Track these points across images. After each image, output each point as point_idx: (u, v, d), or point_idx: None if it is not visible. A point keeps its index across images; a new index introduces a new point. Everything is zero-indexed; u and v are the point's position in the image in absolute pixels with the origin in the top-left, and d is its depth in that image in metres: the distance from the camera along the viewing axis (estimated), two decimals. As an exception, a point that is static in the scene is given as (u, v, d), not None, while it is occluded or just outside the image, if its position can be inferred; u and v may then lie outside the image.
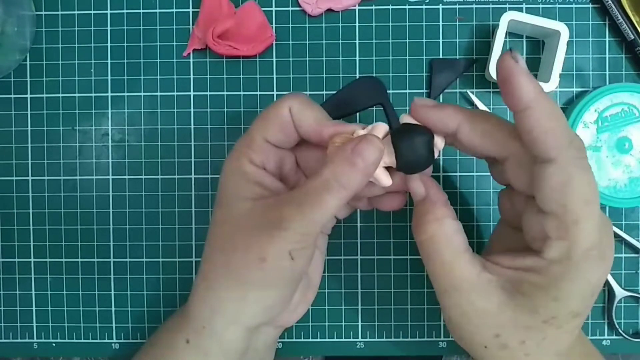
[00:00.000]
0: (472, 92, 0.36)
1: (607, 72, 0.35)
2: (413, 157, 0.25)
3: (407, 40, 0.36)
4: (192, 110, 0.36)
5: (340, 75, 0.36)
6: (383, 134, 0.26)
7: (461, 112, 0.26)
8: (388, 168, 0.27)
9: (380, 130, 0.26)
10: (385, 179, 0.27)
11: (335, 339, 0.36)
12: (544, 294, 0.24)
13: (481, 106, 0.35)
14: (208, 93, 0.36)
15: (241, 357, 0.29)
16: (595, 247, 0.23)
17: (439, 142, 0.27)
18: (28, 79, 0.36)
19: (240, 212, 0.27)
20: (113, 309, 0.37)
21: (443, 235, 0.26)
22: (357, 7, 0.36)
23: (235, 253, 0.26)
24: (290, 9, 0.36)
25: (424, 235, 0.26)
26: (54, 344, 0.37)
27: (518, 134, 0.24)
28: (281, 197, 0.27)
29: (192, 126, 0.36)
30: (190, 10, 0.36)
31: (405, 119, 0.27)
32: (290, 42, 0.36)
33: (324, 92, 0.36)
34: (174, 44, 0.36)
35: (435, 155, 0.26)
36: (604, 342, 0.36)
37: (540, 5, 0.36)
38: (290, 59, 0.36)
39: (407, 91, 0.36)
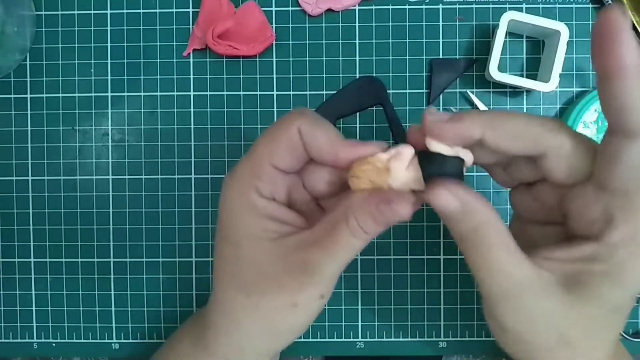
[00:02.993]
0: (472, 92, 0.36)
1: (607, 72, 0.35)
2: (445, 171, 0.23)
3: (407, 40, 0.36)
4: (192, 110, 0.36)
5: (340, 75, 0.36)
6: (409, 159, 0.24)
7: (481, 119, 0.23)
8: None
9: (405, 156, 0.23)
10: (409, 201, 0.24)
11: (335, 339, 0.36)
12: (609, 281, 0.22)
13: (481, 106, 0.35)
14: (208, 93, 0.36)
15: None
16: None
17: (468, 160, 0.24)
18: (28, 79, 0.36)
19: (258, 253, 0.25)
20: (113, 309, 0.37)
21: (493, 236, 0.23)
22: (357, 7, 0.36)
23: (263, 298, 0.25)
24: (290, 9, 0.36)
25: (470, 241, 0.23)
26: (53, 344, 0.37)
27: (603, 105, 0.21)
28: (303, 238, 0.24)
29: (192, 126, 0.36)
30: (190, 10, 0.36)
31: (439, 147, 0.24)
32: (290, 42, 0.36)
33: (324, 92, 0.36)
34: (174, 43, 0.36)
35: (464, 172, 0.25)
36: (604, 342, 0.36)
37: (540, 5, 0.36)
38: (290, 58, 0.36)
39: (407, 91, 0.36)
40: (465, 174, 0.24)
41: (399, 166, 0.23)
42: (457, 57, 0.36)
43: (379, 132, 0.36)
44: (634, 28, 0.34)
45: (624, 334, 0.35)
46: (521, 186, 0.26)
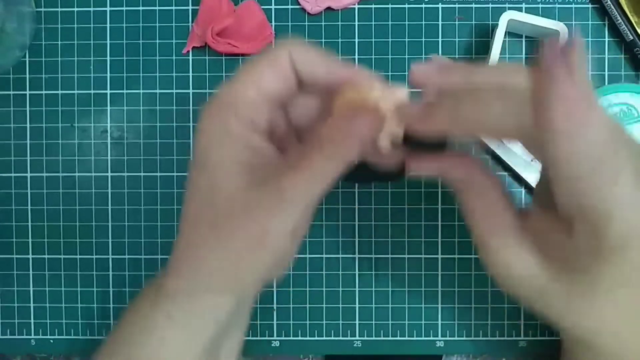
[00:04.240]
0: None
1: (606, 73, 0.35)
2: (425, 144, 0.24)
3: (407, 39, 0.36)
4: (191, 107, 0.36)
5: (340, 74, 0.36)
6: (400, 101, 0.24)
7: (466, 69, 0.23)
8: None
9: (398, 96, 0.24)
10: (384, 145, 0.24)
11: (333, 338, 0.36)
12: (579, 264, 0.23)
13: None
14: (207, 91, 0.36)
15: (229, 323, 0.27)
16: None
17: None
18: (27, 76, 0.36)
19: (230, 181, 0.23)
20: (111, 305, 0.37)
21: (474, 191, 0.25)
22: (356, 6, 0.36)
23: (230, 229, 0.23)
24: (289, 7, 0.36)
25: (459, 193, 0.25)
26: (51, 341, 0.37)
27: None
28: (277, 165, 0.24)
29: (191, 124, 0.36)
30: (190, 7, 0.36)
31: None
32: (290, 40, 0.36)
33: (323, 91, 0.36)
34: (173, 41, 0.36)
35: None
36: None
37: (540, 5, 0.36)
38: (290, 57, 0.36)
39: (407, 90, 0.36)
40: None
41: (389, 97, 0.23)
42: (456, 56, 0.36)
43: (377, 131, 0.36)
44: (633, 28, 0.34)
45: None
46: None
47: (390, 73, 0.36)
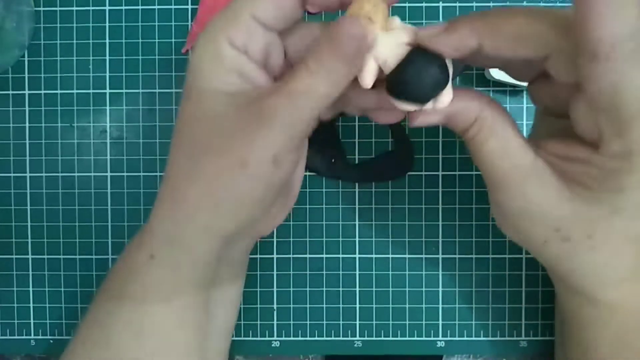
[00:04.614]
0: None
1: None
2: (408, 87, 0.22)
3: (407, 38, 0.36)
4: (190, 107, 0.36)
5: (340, 73, 0.36)
6: (408, 38, 0.22)
7: (477, 25, 0.21)
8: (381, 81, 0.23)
9: (408, 33, 0.22)
10: (368, 80, 0.22)
11: (333, 338, 0.36)
12: (606, 187, 0.22)
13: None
14: (207, 90, 0.36)
15: (214, 270, 0.26)
16: None
17: (446, 98, 0.23)
18: (26, 75, 0.36)
19: (214, 107, 0.22)
20: (111, 306, 0.37)
21: (486, 127, 0.23)
22: (356, 5, 0.36)
23: (210, 158, 0.22)
24: (289, 6, 0.36)
25: (468, 135, 0.23)
26: (51, 341, 0.37)
27: (566, 23, 0.20)
28: (263, 89, 0.22)
29: (191, 123, 0.36)
30: (189, 7, 0.36)
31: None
32: (290, 39, 0.36)
33: (323, 90, 0.36)
34: (173, 40, 0.36)
35: (427, 106, 0.23)
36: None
37: (541, 4, 0.35)
38: (290, 56, 0.36)
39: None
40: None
41: (396, 34, 0.22)
42: (457, 55, 0.35)
43: (378, 132, 0.36)
44: None
45: None
46: (538, 80, 0.25)
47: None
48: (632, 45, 0.18)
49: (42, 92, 0.36)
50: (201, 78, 0.23)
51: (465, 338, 0.36)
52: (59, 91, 0.36)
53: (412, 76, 0.22)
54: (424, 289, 0.36)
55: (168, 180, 0.24)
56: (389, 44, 0.22)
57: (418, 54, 0.22)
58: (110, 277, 0.28)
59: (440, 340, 0.36)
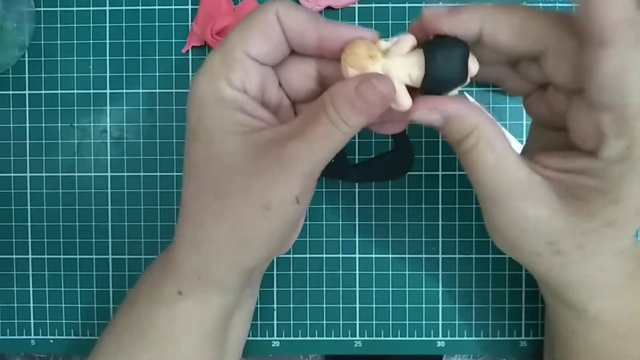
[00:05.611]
0: (472, 91, 0.35)
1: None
2: (447, 73, 0.22)
3: (407, 38, 0.36)
4: (190, 107, 0.36)
5: (340, 73, 0.36)
6: (409, 48, 0.23)
7: (480, 12, 0.22)
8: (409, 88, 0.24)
9: (405, 44, 0.23)
10: (406, 101, 0.23)
11: (333, 338, 0.36)
12: (602, 198, 0.22)
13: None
14: (207, 90, 0.36)
15: (239, 297, 0.27)
16: None
17: (473, 66, 0.23)
18: (26, 76, 0.36)
19: (230, 149, 0.23)
20: (111, 305, 0.37)
21: (484, 139, 0.22)
22: (356, 5, 0.36)
23: (233, 199, 0.23)
24: (289, 6, 0.36)
25: (464, 147, 0.23)
26: (51, 341, 0.37)
27: (566, 18, 0.21)
28: (279, 131, 0.23)
29: (191, 123, 0.36)
30: (190, 7, 0.36)
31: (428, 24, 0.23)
32: (290, 39, 0.36)
33: (323, 90, 0.36)
34: (173, 40, 0.36)
35: (467, 81, 0.23)
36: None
37: (540, 4, 0.35)
38: (290, 56, 0.36)
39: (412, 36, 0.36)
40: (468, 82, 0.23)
41: (398, 49, 0.23)
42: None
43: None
44: None
45: None
46: (534, 94, 0.25)
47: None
48: (635, 30, 0.19)
49: (43, 92, 0.36)
50: (208, 119, 0.23)
51: (465, 338, 0.36)
52: (59, 91, 0.36)
53: (445, 64, 0.22)
54: (423, 289, 0.36)
55: (190, 218, 0.25)
56: (399, 62, 0.23)
57: (433, 47, 0.22)
58: (133, 308, 0.28)
59: (440, 340, 0.36)
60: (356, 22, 0.36)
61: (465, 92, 0.35)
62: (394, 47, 0.23)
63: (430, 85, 0.23)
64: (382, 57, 0.22)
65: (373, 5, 0.36)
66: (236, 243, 0.24)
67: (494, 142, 0.23)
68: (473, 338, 0.36)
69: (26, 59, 0.36)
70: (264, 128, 0.23)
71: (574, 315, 0.26)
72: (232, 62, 0.23)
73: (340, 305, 0.36)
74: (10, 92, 0.36)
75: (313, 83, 0.25)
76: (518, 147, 0.34)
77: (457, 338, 0.36)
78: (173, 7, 0.36)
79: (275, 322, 0.36)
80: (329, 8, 0.35)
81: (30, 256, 0.37)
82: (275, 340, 0.36)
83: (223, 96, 0.23)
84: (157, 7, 0.36)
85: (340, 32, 0.23)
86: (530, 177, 0.23)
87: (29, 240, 0.37)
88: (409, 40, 0.23)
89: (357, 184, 0.36)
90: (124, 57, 0.36)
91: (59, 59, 0.36)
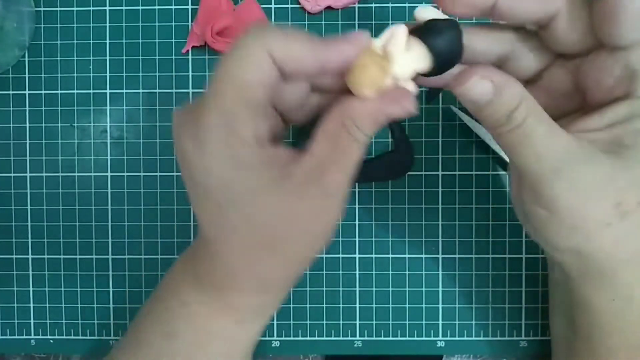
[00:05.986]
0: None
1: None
2: (451, 55, 0.22)
3: (407, 38, 0.36)
4: (190, 107, 0.36)
5: (340, 73, 0.36)
6: (404, 38, 0.22)
7: None
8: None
9: (400, 35, 0.22)
10: (413, 89, 0.23)
11: (333, 338, 0.36)
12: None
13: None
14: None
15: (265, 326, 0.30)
16: None
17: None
18: (26, 76, 0.36)
19: (268, 205, 0.22)
20: (111, 305, 0.37)
21: (534, 109, 0.22)
22: (356, 5, 0.36)
23: (284, 247, 0.24)
24: (289, 6, 0.36)
25: (516, 120, 0.22)
26: (51, 341, 0.37)
27: None
28: (306, 167, 0.22)
29: (191, 123, 0.36)
30: (190, 7, 0.36)
31: (428, 12, 0.23)
32: (290, 39, 0.36)
33: (323, 90, 0.36)
34: (173, 40, 0.36)
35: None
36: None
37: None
38: (290, 56, 0.36)
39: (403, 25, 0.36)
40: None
41: (398, 48, 0.22)
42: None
43: (378, 132, 0.35)
44: None
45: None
46: (554, 65, 0.25)
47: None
48: None
49: (43, 92, 0.36)
50: (238, 187, 0.22)
51: (465, 338, 0.36)
52: (59, 91, 0.36)
53: (448, 46, 0.22)
54: (424, 289, 0.36)
55: (246, 265, 0.24)
56: (405, 62, 0.22)
57: (432, 34, 0.22)
58: (168, 343, 0.28)
59: (440, 340, 0.36)
60: (356, 21, 0.36)
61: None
62: (392, 46, 0.22)
63: (438, 71, 0.23)
64: (389, 66, 0.22)
65: (373, 5, 0.36)
66: (285, 280, 0.26)
67: (541, 110, 0.22)
68: (473, 338, 0.36)
69: (26, 59, 0.36)
70: (285, 165, 0.23)
71: (627, 296, 0.25)
72: (238, 121, 0.21)
73: (340, 305, 0.36)
74: (10, 92, 0.36)
75: (308, 98, 0.25)
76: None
77: (457, 338, 0.36)
78: (173, 7, 0.36)
79: (275, 322, 0.36)
80: (328, 8, 0.35)
81: (30, 256, 0.37)
82: (275, 340, 0.36)
83: (243, 159, 0.22)
84: (157, 7, 0.36)
85: (340, 51, 0.22)
86: (580, 141, 0.22)
87: (29, 240, 0.37)
88: (402, 32, 0.22)
89: (357, 184, 0.36)
90: (124, 57, 0.36)
91: (59, 59, 0.36)
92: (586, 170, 0.22)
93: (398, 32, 0.22)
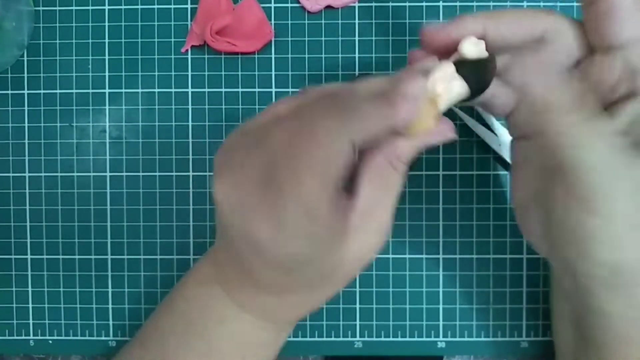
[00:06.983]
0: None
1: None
2: (484, 85, 0.25)
3: (407, 38, 0.36)
4: (190, 106, 0.36)
5: (340, 73, 0.36)
6: (453, 75, 0.24)
7: (480, 15, 0.24)
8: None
9: (448, 73, 0.24)
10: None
11: (333, 338, 0.36)
12: None
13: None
14: (206, 90, 0.36)
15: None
16: None
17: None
18: (25, 75, 0.36)
19: (323, 267, 0.25)
20: (110, 306, 0.36)
21: (557, 98, 0.24)
22: (356, 4, 0.36)
23: (321, 295, 0.27)
24: (289, 5, 0.36)
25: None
26: (50, 341, 0.37)
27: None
28: (357, 208, 0.24)
29: (190, 123, 0.36)
30: (189, 6, 0.36)
31: (471, 48, 0.24)
32: (289, 38, 0.36)
33: (323, 90, 0.36)
34: (172, 40, 0.36)
35: None
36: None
37: (541, 3, 0.35)
38: (289, 55, 0.36)
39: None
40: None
41: (447, 91, 0.24)
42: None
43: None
44: None
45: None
46: (513, 111, 0.26)
47: (390, 72, 0.36)
48: None
49: (41, 91, 0.36)
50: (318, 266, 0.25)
51: (466, 339, 0.36)
52: (58, 91, 0.36)
53: (484, 79, 0.25)
54: (424, 290, 0.36)
55: (279, 295, 0.27)
56: (448, 99, 0.24)
57: (469, 70, 0.24)
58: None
59: (440, 341, 0.36)
60: (356, 21, 0.36)
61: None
62: (441, 89, 0.24)
63: (477, 93, 0.25)
64: (438, 108, 0.24)
65: (373, 4, 0.36)
66: (326, 301, 0.28)
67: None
68: (474, 339, 0.36)
69: (25, 58, 0.36)
70: (344, 215, 0.24)
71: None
72: (320, 210, 0.22)
73: (341, 306, 0.36)
74: (9, 92, 0.36)
75: None
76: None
77: (457, 339, 0.36)
78: (172, 6, 0.36)
79: (275, 322, 0.36)
80: (328, 7, 0.35)
81: (29, 256, 0.36)
82: (275, 341, 0.36)
83: (321, 235, 0.23)
84: (156, 7, 0.36)
85: (406, 112, 0.22)
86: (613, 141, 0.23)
87: (28, 240, 0.36)
88: (449, 68, 0.24)
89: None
90: (123, 57, 0.36)
91: (57, 58, 0.36)
92: (632, 175, 0.22)
93: (446, 70, 0.24)
